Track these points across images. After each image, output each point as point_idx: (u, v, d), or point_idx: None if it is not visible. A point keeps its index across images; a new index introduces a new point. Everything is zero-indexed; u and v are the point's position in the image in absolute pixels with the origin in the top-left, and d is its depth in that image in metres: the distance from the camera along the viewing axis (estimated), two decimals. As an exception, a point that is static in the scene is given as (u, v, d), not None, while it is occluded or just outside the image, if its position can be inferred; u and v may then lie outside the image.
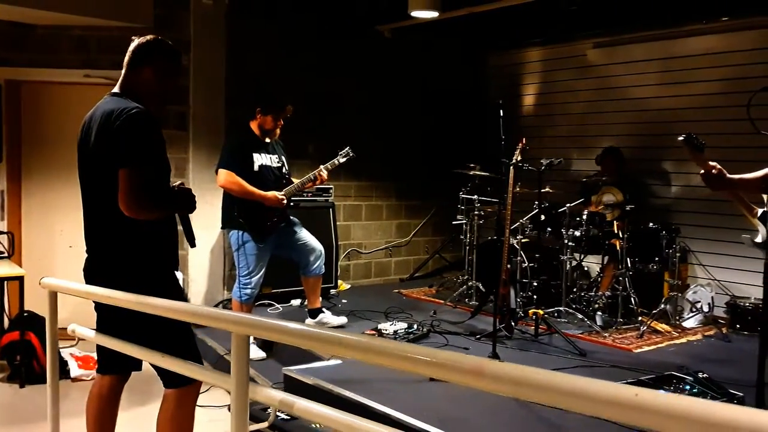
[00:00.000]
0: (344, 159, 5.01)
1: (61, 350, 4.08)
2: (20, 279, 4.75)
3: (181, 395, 2.73)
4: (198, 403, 4.00)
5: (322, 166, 4.94)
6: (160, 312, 2.12)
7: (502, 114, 4.10)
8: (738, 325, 5.43)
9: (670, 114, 6.42)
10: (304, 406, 1.73)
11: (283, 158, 5.01)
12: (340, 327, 5.20)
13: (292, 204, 4.93)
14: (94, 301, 2.85)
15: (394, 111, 7.22)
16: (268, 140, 4.88)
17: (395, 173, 7.29)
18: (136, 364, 2.96)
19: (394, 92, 7.20)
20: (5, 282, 5.13)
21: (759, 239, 3.36)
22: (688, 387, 3.81)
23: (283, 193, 4.79)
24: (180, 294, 2.82)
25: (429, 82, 7.46)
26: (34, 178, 5.72)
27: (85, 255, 2.82)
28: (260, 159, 4.79)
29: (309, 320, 5.25)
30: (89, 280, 2.75)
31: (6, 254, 5.33)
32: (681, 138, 3.11)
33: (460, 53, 7.78)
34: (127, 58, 2.78)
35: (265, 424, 1.84)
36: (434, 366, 1.19)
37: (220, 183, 4.65)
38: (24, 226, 5.71)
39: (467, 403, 3.77)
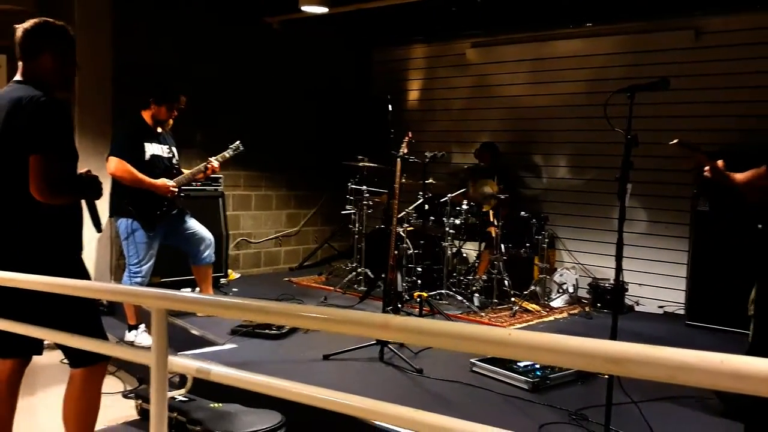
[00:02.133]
0: (233, 152, 5.10)
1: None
2: None
3: (89, 374, 2.79)
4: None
5: (212, 158, 5.00)
6: (79, 292, 2.20)
7: (390, 108, 4.36)
8: (599, 304, 6.01)
9: (540, 111, 6.98)
10: (221, 372, 1.90)
11: (174, 149, 5.04)
12: (233, 314, 5.29)
13: (182, 194, 4.97)
14: None
15: (284, 102, 7.34)
16: (159, 130, 4.89)
17: (285, 163, 7.42)
18: (38, 348, 2.98)
19: (283, 83, 7.32)
20: None
21: None
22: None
23: (173, 182, 4.83)
24: (86, 275, 2.88)
25: (317, 74, 7.64)
26: None
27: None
28: (151, 148, 4.80)
29: (201, 308, 5.33)
30: None
31: None
32: (674, 142, 3.09)
33: (347, 47, 8.00)
34: (19, 46, 2.77)
35: (182, 391, 1.98)
36: (349, 324, 1.40)
37: (110, 171, 4.61)
38: None
39: (358, 379, 4.02)
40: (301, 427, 3.47)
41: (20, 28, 2.77)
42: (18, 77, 2.80)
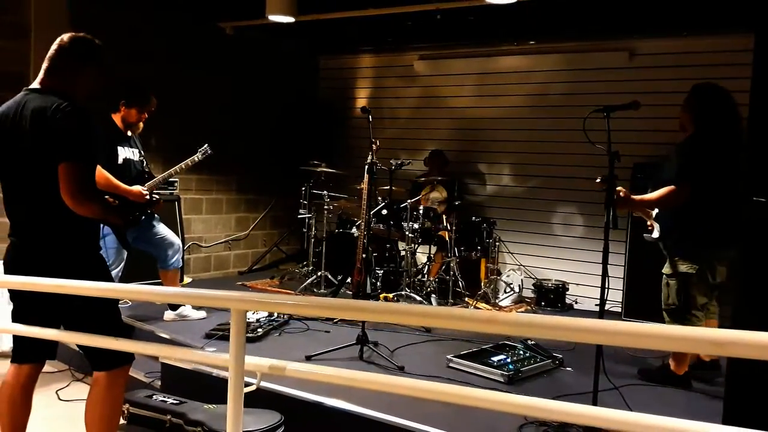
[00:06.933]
0: (202, 156, 5.12)
1: None
2: None
3: (112, 377, 2.84)
4: (65, 397, 3.97)
5: (182, 163, 5.03)
6: (156, 298, 2.29)
7: (371, 120, 4.56)
8: (543, 302, 6.44)
9: (485, 122, 7.36)
10: (294, 367, 2.05)
11: (143, 152, 5.04)
12: (202, 319, 5.33)
13: (153, 198, 4.97)
14: (10, 291, 2.88)
15: (235, 106, 7.37)
16: (130, 133, 4.89)
17: (235, 167, 7.42)
18: (51, 352, 3.01)
19: (234, 88, 7.35)
20: None
21: (656, 234, 4.19)
22: (521, 352, 4.59)
23: (146, 187, 4.83)
24: (109, 277, 2.94)
25: (267, 79, 7.71)
26: None
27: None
28: (124, 152, 4.80)
29: (169, 313, 5.34)
30: (16, 269, 2.75)
31: None
32: (598, 181, 3.65)
33: (296, 54, 8.12)
34: (52, 59, 2.80)
35: (253, 387, 2.10)
36: (456, 319, 1.61)
37: (85, 175, 4.57)
38: None
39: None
40: (299, 427, 3.61)
41: (57, 42, 2.80)
42: (36, 86, 2.81)
